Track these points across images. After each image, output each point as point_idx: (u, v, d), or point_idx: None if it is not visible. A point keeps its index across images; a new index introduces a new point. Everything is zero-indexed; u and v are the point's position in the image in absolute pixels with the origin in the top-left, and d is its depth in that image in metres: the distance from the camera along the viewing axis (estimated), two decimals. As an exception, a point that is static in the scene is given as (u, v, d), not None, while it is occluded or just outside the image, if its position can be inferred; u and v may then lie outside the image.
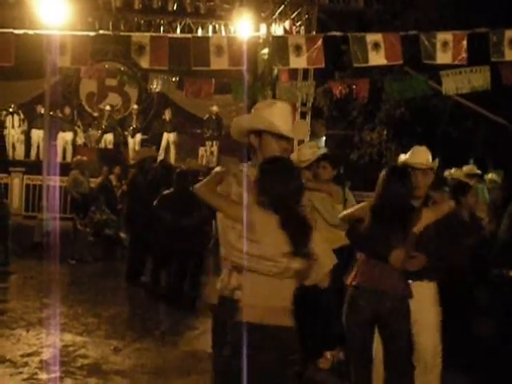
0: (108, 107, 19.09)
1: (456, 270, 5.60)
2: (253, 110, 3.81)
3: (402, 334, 4.63)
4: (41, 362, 6.32)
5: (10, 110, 18.14)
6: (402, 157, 5.40)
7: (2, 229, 11.37)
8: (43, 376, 5.92)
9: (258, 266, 3.37)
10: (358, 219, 4.82)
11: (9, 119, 18.21)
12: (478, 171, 10.58)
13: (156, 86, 14.79)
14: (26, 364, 6.21)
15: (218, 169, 3.77)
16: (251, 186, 3.56)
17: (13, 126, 18.26)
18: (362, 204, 4.96)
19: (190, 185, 9.33)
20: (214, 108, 18.51)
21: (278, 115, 3.69)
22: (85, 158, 14.29)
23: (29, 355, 6.49)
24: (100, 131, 18.61)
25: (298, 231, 3.47)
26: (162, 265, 9.82)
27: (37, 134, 17.93)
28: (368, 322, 4.64)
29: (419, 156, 5.16)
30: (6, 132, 18.30)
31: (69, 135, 18.48)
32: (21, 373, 5.96)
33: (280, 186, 3.47)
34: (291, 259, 3.38)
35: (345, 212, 5.15)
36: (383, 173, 4.72)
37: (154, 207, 9.36)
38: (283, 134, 3.67)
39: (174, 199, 9.25)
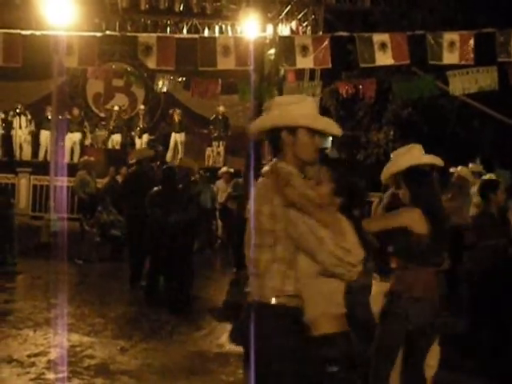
0: (116, 107, 19.12)
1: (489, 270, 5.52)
2: (276, 106, 3.49)
3: None
4: (48, 362, 6.33)
5: (17, 110, 18.19)
6: (402, 158, 5.11)
7: (9, 228, 11.39)
8: (50, 376, 5.93)
9: (345, 272, 3.22)
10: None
11: (16, 120, 18.27)
12: (483, 170, 10.58)
13: (162, 86, 14.82)
14: (33, 364, 6.22)
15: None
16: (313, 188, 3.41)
17: (20, 127, 18.32)
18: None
19: (178, 182, 9.38)
20: (221, 108, 18.52)
21: (311, 110, 3.49)
22: (92, 159, 14.30)
23: (36, 355, 6.50)
24: (107, 132, 18.65)
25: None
26: (157, 266, 9.45)
27: (45, 135, 17.97)
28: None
29: (417, 155, 4.97)
30: (13, 132, 18.36)
31: (77, 136, 18.53)
32: (28, 373, 5.97)
33: (358, 188, 3.44)
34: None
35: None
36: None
37: (145, 206, 9.23)
38: (326, 130, 3.46)
39: (162, 196, 9.05)
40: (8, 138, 18.45)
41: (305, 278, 3.28)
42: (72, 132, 18.25)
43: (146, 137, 18.89)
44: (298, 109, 3.41)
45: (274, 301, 3.26)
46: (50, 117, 16.86)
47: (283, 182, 3.27)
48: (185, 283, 9.08)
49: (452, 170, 9.34)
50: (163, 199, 8.99)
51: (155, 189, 9.21)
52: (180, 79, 14.75)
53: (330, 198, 3.44)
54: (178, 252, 8.96)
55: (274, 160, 3.44)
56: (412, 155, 4.93)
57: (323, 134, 3.49)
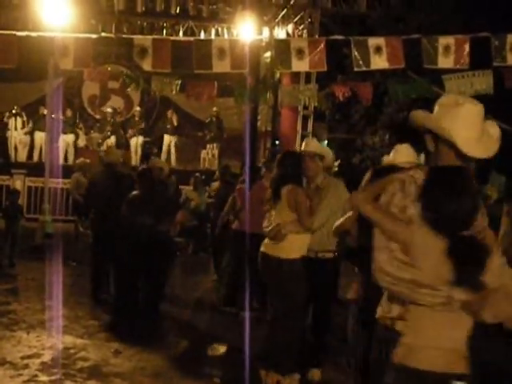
0: (109, 109, 19.10)
1: None
2: (439, 106, 3.11)
3: None
4: (41, 364, 6.32)
5: (13, 111, 18.17)
6: (386, 158, 5.33)
7: (14, 231, 11.48)
8: (43, 378, 5.92)
9: (412, 294, 2.81)
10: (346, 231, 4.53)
11: (12, 121, 18.24)
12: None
13: (158, 88, 14.80)
14: (26, 366, 6.21)
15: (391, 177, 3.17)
16: (417, 194, 2.98)
17: (15, 128, 18.29)
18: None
19: (154, 185, 8.79)
20: (214, 109, 18.52)
21: (463, 121, 2.95)
22: (87, 161, 14.29)
23: (29, 357, 6.49)
24: (104, 135, 18.61)
25: (468, 259, 2.82)
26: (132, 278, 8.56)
27: (40, 136, 17.96)
28: None
29: (403, 154, 4.96)
30: (8, 134, 18.33)
31: (70, 137, 18.52)
32: (21, 375, 5.96)
33: (452, 204, 2.81)
34: (453, 288, 2.77)
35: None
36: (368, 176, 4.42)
37: (123, 213, 8.40)
38: (462, 153, 2.94)
39: (141, 202, 8.37)
40: (3, 140, 18.41)
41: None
42: (66, 133, 18.24)
43: (141, 139, 18.88)
44: (448, 115, 2.98)
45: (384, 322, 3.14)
46: (45, 113, 16.84)
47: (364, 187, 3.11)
48: (153, 299, 8.53)
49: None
50: (143, 206, 8.31)
51: (132, 194, 8.50)
52: (176, 82, 14.73)
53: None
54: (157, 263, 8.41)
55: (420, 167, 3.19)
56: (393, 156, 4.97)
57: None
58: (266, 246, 6.14)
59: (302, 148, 6.42)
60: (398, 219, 2.95)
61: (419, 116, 3.11)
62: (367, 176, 4.40)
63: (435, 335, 2.81)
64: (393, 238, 2.88)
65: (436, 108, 3.07)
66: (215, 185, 11.81)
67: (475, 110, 2.99)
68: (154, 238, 8.22)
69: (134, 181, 9.33)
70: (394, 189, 3.04)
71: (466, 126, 2.93)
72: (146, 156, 17.73)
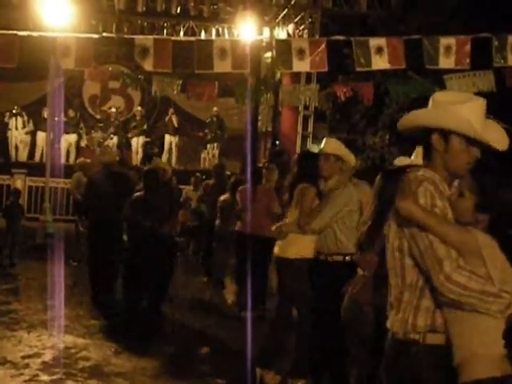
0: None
1: None
2: (435, 103, 2.97)
3: None
4: (42, 363, 6.31)
5: (14, 111, 18.18)
6: (400, 159, 5.30)
7: (15, 231, 11.51)
8: (44, 378, 5.92)
9: (478, 303, 2.64)
10: None
11: (12, 121, 18.25)
12: None
13: (159, 88, 14.81)
14: (27, 366, 6.20)
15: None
16: (448, 199, 2.83)
17: (16, 128, 18.30)
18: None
19: (159, 186, 8.58)
20: (215, 109, 18.52)
21: (475, 114, 2.85)
22: (88, 161, 14.28)
23: (30, 357, 6.48)
24: (105, 135, 18.60)
25: None
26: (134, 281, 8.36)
27: (42, 137, 17.97)
28: None
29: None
30: (9, 134, 18.34)
31: (73, 137, 18.55)
32: (22, 374, 5.95)
33: (506, 200, 2.80)
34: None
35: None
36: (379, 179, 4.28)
37: (125, 215, 8.30)
38: (488, 144, 2.83)
39: (145, 204, 8.21)
40: (4, 140, 18.42)
41: (454, 310, 2.74)
42: (68, 133, 18.25)
43: (142, 139, 18.89)
44: (460, 110, 2.84)
45: (405, 336, 2.82)
46: (46, 116, 16.88)
47: (406, 192, 2.79)
48: (156, 301, 8.42)
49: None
50: (148, 207, 8.18)
51: (136, 195, 8.41)
52: (177, 82, 14.74)
53: (471, 215, 2.79)
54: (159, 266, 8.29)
55: (423, 165, 2.97)
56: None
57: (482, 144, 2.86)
58: (276, 246, 6.20)
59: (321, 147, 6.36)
60: (458, 225, 2.77)
61: (422, 116, 2.99)
62: (378, 181, 4.29)
63: (493, 342, 2.72)
64: (457, 247, 2.69)
65: (436, 105, 2.96)
66: (209, 182, 11.64)
67: (483, 104, 2.94)
68: (157, 240, 8.12)
69: (131, 180, 9.40)
70: (428, 190, 2.80)
71: (478, 118, 2.86)
72: (147, 156, 17.74)
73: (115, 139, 18.65)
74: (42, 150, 18.00)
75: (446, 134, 2.85)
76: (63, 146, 18.07)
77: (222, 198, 10.04)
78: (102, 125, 19.08)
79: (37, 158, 18.41)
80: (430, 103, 2.99)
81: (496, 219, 2.75)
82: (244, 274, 8.24)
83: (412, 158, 5.01)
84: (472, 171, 2.85)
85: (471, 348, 2.68)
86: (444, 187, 2.85)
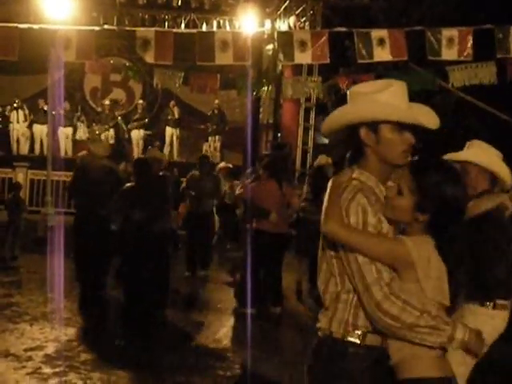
0: (107, 101, 19.05)
1: None
2: (353, 97, 2.79)
3: None
4: (45, 356, 6.32)
5: (15, 105, 18.16)
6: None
7: (17, 223, 11.54)
8: (47, 370, 5.93)
9: (410, 335, 2.54)
10: None
11: (13, 114, 18.25)
12: None
13: (161, 81, 14.78)
14: (29, 358, 6.21)
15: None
16: (381, 203, 2.69)
17: (17, 121, 18.29)
18: None
19: (152, 177, 8.38)
20: (216, 101, 18.48)
21: (398, 98, 2.72)
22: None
23: (32, 349, 6.50)
24: (106, 127, 18.58)
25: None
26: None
27: (39, 129, 18.00)
28: None
29: (482, 151, 4.48)
30: (10, 127, 18.34)
31: (69, 130, 18.54)
32: (24, 367, 5.97)
33: (456, 200, 2.61)
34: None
35: None
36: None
37: (116, 206, 8.03)
38: (419, 123, 2.70)
39: (136, 195, 7.95)
40: (5, 133, 18.43)
41: None
42: (64, 127, 18.24)
43: (142, 132, 18.87)
44: (381, 98, 2.69)
45: (345, 337, 2.69)
46: (44, 110, 16.91)
47: (333, 206, 2.64)
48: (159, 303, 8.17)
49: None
50: (138, 199, 7.90)
51: (126, 186, 8.14)
52: (179, 74, 14.70)
53: (409, 214, 2.64)
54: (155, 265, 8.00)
55: (353, 167, 2.77)
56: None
57: (416, 128, 2.71)
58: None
59: None
60: (388, 239, 2.66)
61: (344, 113, 2.78)
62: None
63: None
64: (389, 263, 2.57)
65: (355, 98, 2.77)
66: (194, 174, 11.39)
67: (404, 86, 2.82)
68: (147, 235, 7.82)
69: (116, 174, 8.99)
70: (360, 205, 2.62)
71: (402, 101, 2.75)
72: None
73: (112, 132, 18.61)
74: (41, 143, 18.02)
75: (373, 125, 2.68)
76: (61, 139, 18.07)
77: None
78: (102, 117, 19.03)
79: (36, 150, 18.40)
80: (348, 98, 2.81)
81: (436, 216, 2.59)
82: (256, 271, 8.19)
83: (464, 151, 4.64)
84: (411, 169, 2.65)
85: (412, 349, 2.58)
86: (380, 189, 2.70)
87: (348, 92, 2.84)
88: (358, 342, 2.66)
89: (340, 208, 2.62)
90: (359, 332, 2.66)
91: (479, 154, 4.41)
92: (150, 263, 7.92)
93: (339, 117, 2.79)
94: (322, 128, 2.88)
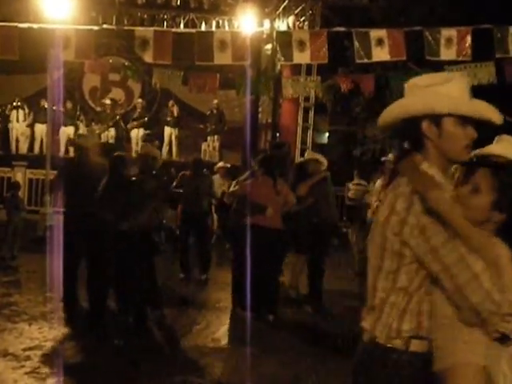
0: (108, 101, 19.05)
1: None
2: (414, 89, 2.68)
3: None
4: (43, 355, 6.32)
5: (15, 104, 18.16)
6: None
7: (16, 223, 11.54)
8: (45, 370, 5.92)
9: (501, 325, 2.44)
10: None
11: (13, 113, 18.24)
12: None
13: (160, 80, 14.79)
14: (28, 358, 6.21)
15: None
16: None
17: (17, 120, 18.29)
18: None
19: (128, 174, 7.93)
20: (215, 101, 18.47)
21: (461, 91, 2.61)
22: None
23: (31, 349, 6.49)
24: (105, 126, 18.57)
25: None
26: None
27: (40, 129, 17.99)
28: None
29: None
30: (10, 126, 18.34)
31: (71, 129, 18.52)
32: (23, 366, 5.97)
33: None
34: None
35: None
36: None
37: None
38: (483, 117, 2.59)
39: (108, 193, 7.47)
40: (5, 132, 18.42)
41: (440, 318, 2.55)
42: (66, 126, 18.23)
43: (141, 131, 18.86)
44: (443, 91, 2.59)
45: (388, 342, 2.58)
46: (45, 108, 16.90)
47: (428, 182, 2.45)
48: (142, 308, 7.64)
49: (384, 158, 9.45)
50: (110, 198, 7.42)
51: (102, 184, 7.61)
52: (178, 74, 14.70)
53: (484, 213, 2.51)
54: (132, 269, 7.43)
55: (415, 156, 2.63)
56: None
57: (479, 123, 2.61)
58: None
59: None
60: (478, 229, 2.48)
61: (405, 105, 2.67)
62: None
63: (476, 353, 2.55)
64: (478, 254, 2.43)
65: (416, 91, 2.66)
66: (185, 173, 11.24)
67: (466, 80, 2.71)
68: (121, 239, 7.30)
69: (99, 170, 8.16)
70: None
71: (468, 98, 2.62)
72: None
73: (112, 131, 18.62)
74: (41, 142, 18.01)
75: (436, 118, 2.57)
76: (62, 138, 18.06)
77: None
78: (102, 117, 19.03)
79: (36, 150, 18.40)
80: (406, 91, 2.72)
81: (510, 220, 2.45)
82: (246, 271, 7.95)
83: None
84: (491, 166, 2.57)
85: (455, 356, 2.50)
86: (448, 184, 2.58)
87: (406, 85, 2.74)
88: (401, 348, 2.57)
89: (436, 182, 2.48)
90: (403, 338, 2.57)
91: (509, 148, 4.27)
92: (119, 264, 7.43)
93: (399, 109, 2.68)
94: (379, 121, 2.76)
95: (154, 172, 8.20)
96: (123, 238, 7.28)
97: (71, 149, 18.17)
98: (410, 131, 2.64)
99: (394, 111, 2.69)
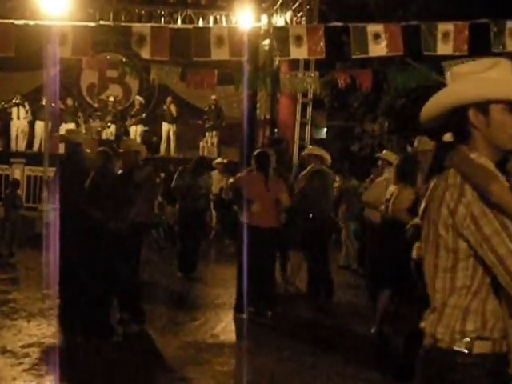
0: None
1: None
2: (458, 77, 2.55)
3: None
4: (42, 352, 6.33)
5: (16, 101, 18.10)
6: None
7: (14, 220, 11.55)
8: (44, 367, 5.93)
9: None
10: None
11: (14, 111, 18.20)
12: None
13: (157, 76, 14.77)
14: (26, 355, 6.21)
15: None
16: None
17: (18, 118, 18.25)
18: None
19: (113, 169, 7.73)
20: (213, 97, 18.44)
21: (508, 76, 2.47)
22: (89, 150, 14.22)
23: (30, 346, 6.49)
24: (104, 123, 18.55)
25: None
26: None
27: (40, 126, 17.94)
28: None
29: None
30: (11, 123, 18.30)
31: (71, 126, 18.47)
32: (21, 363, 5.97)
33: None
34: None
35: None
36: None
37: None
38: None
39: (95, 190, 7.26)
40: (5, 129, 18.39)
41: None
42: (66, 123, 18.21)
43: (140, 127, 18.85)
44: (491, 76, 2.46)
45: (451, 346, 2.44)
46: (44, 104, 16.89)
47: (487, 175, 2.34)
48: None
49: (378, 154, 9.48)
50: (94, 196, 7.19)
51: (89, 179, 7.39)
52: (176, 70, 14.68)
53: None
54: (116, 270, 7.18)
55: (461, 147, 2.50)
56: None
57: None
58: None
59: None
60: None
61: (448, 95, 2.52)
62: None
63: None
64: None
65: (459, 78, 2.53)
66: (184, 170, 11.16)
67: (510, 65, 2.53)
68: (102, 237, 7.05)
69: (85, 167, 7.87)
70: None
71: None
72: (147, 145, 17.66)
73: (113, 128, 18.61)
74: (41, 140, 17.98)
75: (483, 106, 2.43)
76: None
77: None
78: (99, 113, 19.00)
79: (35, 147, 18.37)
80: (448, 79, 2.59)
81: None
82: (245, 270, 7.90)
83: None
84: None
85: None
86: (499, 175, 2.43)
87: (449, 73, 2.62)
88: (466, 351, 2.41)
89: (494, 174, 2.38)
90: (467, 339, 2.42)
91: None
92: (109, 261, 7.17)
93: (443, 98, 2.52)
94: (422, 112, 2.59)
95: (139, 164, 7.92)
96: (113, 235, 7.04)
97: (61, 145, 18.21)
98: (457, 121, 2.50)
99: (440, 101, 2.53)
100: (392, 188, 6.81)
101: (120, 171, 7.75)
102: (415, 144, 6.79)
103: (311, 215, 9.03)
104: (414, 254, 4.24)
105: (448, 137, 3.80)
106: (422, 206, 2.55)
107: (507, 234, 2.30)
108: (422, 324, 2.58)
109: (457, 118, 2.48)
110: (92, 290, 7.04)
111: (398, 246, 6.14)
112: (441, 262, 2.46)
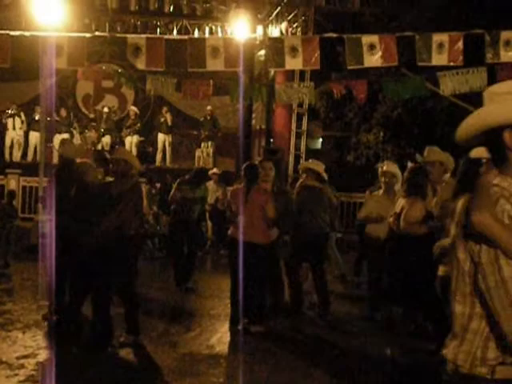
0: (106, 109, 19.07)
1: None
2: (493, 97, 2.52)
3: None
4: (37, 363, 6.31)
5: (12, 111, 18.10)
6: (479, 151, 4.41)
7: (9, 231, 11.53)
8: (39, 378, 5.91)
9: None
10: None
11: (10, 121, 18.20)
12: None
13: (153, 87, 14.77)
14: (22, 366, 6.20)
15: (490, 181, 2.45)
16: None
17: (14, 128, 18.25)
18: None
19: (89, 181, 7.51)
20: (209, 107, 18.45)
21: None
22: (85, 161, 14.21)
23: (25, 357, 6.48)
24: (98, 134, 18.56)
25: None
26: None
27: (35, 136, 17.95)
28: None
29: None
30: (6, 134, 18.29)
31: (65, 137, 18.48)
32: (17, 374, 5.95)
33: None
34: None
35: None
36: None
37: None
38: None
39: (75, 202, 7.24)
40: (1, 140, 18.39)
41: None
42: (60, 133, 18.20)
43: (135, 138, 18.86)
44: None
45: (472, 371, 2.43)
46: (37, 118, 16.89)
47: (482, 204, 2.34)
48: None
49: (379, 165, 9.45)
50: (72, 206, 7.20)
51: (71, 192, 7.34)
52: (171, 80, 14.70)
53: None
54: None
55: (493, 171, 2.47)
56: None
57: None
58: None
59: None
60: None
61: (484, 116, 2.48)
62: (462, 165, 4.18)
63: None
64: None
65: (495, 99, 2.49)
66: (184, 177, 11.12)
67: None
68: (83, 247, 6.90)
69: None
70: (505, 211, 2.35)
71: None
72: (142, 155, 17.69)
73: (108, 138, 18.62)
74: (35, 150, 17.98)
75: None
76: (56, 146, 18.02)
77: None
78: (95, 124, 19.02)
79: (29, 157, 18.36)
80: (485, 100, 2.55)
81: None
82: (236, 285, 7.80)
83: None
84: None
85: None
86: None
87: (484, 93, 2.58)
88: (487, 376, 2.40)
89: (491, 202, 2.35)
90: (488, 365, 2.41)
91: None
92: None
93: (479, 120, 2.49)
94: (458, 132, 2.58)
95: (127, 174, 7.55)
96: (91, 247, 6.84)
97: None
98: (493, 142, 2.46)
99: (473, 122, 2.52)
100: (402, 201, 6.77)
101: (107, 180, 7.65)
102: (425, 154, 6.84)
103: (304, 230, 8.79)
104: (441, 270, 4.30)
105: (474, 153, 3.89)
106: (453, 223, 2.52)
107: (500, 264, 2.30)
108: (444, 351, 2.56)
109: (492, 140, 2.45)
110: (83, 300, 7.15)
111: (411, 258, 6.21)
112: (460, 287, 2.45)
